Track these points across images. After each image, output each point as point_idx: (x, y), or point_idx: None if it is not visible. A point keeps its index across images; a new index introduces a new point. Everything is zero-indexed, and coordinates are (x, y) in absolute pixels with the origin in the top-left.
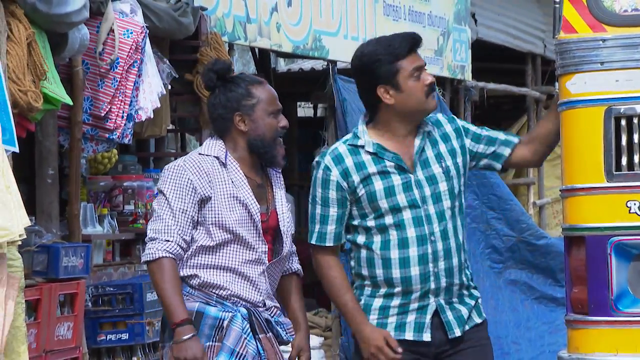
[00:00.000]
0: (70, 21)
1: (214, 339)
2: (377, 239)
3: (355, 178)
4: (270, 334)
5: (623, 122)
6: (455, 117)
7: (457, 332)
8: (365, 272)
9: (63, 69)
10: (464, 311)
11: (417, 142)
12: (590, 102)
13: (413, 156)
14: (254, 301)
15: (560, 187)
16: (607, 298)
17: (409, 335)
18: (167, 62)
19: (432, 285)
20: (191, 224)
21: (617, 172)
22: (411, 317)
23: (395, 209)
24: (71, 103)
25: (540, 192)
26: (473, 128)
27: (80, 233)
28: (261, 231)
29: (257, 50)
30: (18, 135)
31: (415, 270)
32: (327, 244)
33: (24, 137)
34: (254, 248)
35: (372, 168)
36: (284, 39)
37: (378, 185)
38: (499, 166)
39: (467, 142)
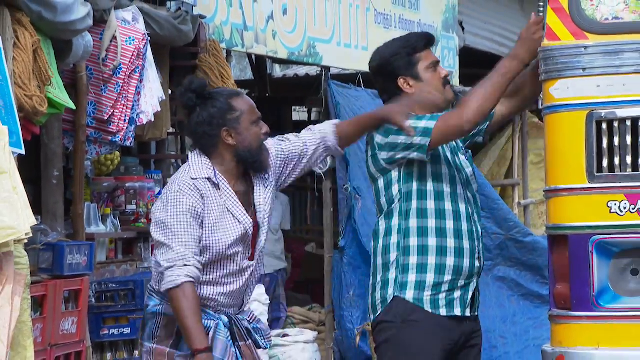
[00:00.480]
0: (75, 29)
1: None
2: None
3: None
4: (250, 341)
5: (604, 126)
6: None
7: (476, 312)
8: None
9: (68, 75)
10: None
11: None
12: (572, 106)
13: None
14: (236, 305)
15: (544, 188)
16: (589, 294)
17: (457, 311)
18: (157, 70)
19: (476, 263)
20: (199, 244)
21: (598, 174)
22: (458, 293)
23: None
24: (74, 107)
25: (524, 193)
26: None
27: (84, 232)
28: (250, 240)
29: (253, 56)
30: (24, 138)
31: (467, 244)
32: None
33: (30, 140)
34: (240, 261)
35: None
36: (279, 45)
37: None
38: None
39: None
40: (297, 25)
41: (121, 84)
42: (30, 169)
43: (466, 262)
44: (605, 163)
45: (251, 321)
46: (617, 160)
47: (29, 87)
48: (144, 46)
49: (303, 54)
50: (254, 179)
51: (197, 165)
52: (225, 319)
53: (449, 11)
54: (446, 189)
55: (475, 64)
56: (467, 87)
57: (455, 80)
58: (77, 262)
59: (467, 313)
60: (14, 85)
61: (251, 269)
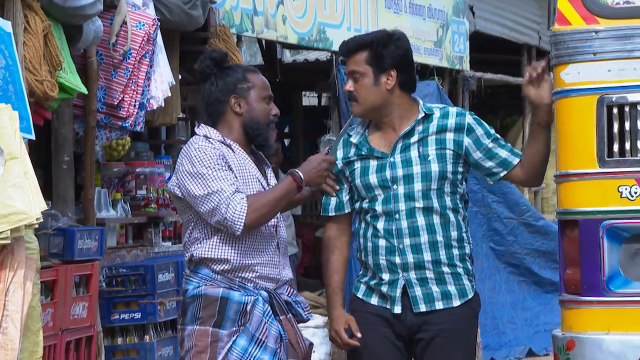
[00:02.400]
0: (85, 14)
1: (238, 323)
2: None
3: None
4: (290, 315)
5: (615, 111)
6: (469, 113)
7: (422, 308)
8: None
9: (78, 60)
10: (436, 289)
11: (405, 128)
12: (583, 91)
13: (393, 142)
14: (274, 277)
15: (555, 172)
16: (599, 279)
17: (374, 301)
18: (184, 54)
19: (398, 260)
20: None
21: (609, 159)
22: (385, 288)
23: (368, 187)
24: (86, 92)
25: None
26: (480, 132)
27: (94, 217)
28: None
29: (264, 41)
30: (35, 123)
31: (381, 242)
32: (329, 214)
33: (41, 125)
34: (267, 224)
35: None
36: (289, 30)
37: (362, 164)
38: (491, 182)
39: (466, 140)
40: (307, 10)
41: (131, 69)
42: (41, 154)
43: (381, 259)
44: (616, 148)
45: (290, 295)
46: (627, 145)
47: (39, 72)
48: (154, 31)
49: (313, 39)
50: (262, 159)
51: (208, 131)
52: (265, 294)
53: None
54: (369, 193)
55: (485, 48)
56: (477, 72)
57: (466, 65)
58: (87, 247)
59: (396, 310)
60: (25, 70)
61: (276, 240)
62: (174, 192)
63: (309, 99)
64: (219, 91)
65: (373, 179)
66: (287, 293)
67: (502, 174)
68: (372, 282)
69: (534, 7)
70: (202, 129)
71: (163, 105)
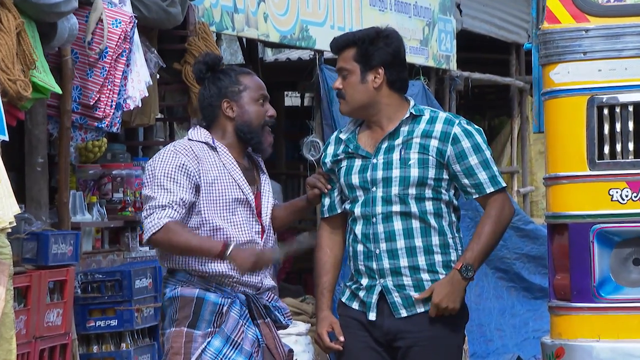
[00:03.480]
0: (59, 11)
1: (214, 325)
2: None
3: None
4: (269, 319)
5: (605, 111)
6: (460, 122)
7: (403, 313)
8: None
9: (52, 58)
10: (415, 295)
11: (389, 130)
12: (573, 91)
13: (377, 143)
14: (252, 283)
15: (544, 175)
16: (590, 285)
17: (355, 305)
18: (155, 51)
19: (374, 265)
20: (186, 202)
21: (599, 161)
22: (362, 293)
23: (351, 187)
24: (60, 92)
25: (524, 181)
26: (466, 144)
27: (69, 221)
28: (255, 211)
29: (244, 40)
30: (8, 124)
31: (359, 247)
32: (324, 216)
33: (14, 126)
34: (248, 229)
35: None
36: (271, 29)
37: (347, 164)
38: (465, 199)
39: (450, 150)
40: (289, 7)
41: (107, 68)
42: (14, 155)
43: (360, 265)
44: (606, 150)
45: (270, 300)
46: (618, 147)
47: (12, 71)
48: (131, 29)
49: (295, 38)
50: (257, 161)
51: (196, 132)
52: (242, 296)
53: None
54: (352, 193)
55: (472, 47)
56: (464, 71)
57: (453, 64)
58: (62, 252)
59: (371, 317)
60: None
61: (261, 246)
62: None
63: (291, 99)
64: (212, 96)
65: (355, 179)
66: (267, 298)
67: (474, 196)
68: (354, 287)
69: (522, 4)
70: (193, 131)
71: (140, 106)
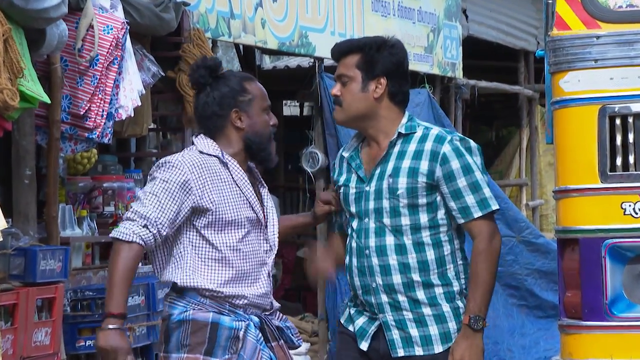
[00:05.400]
0: (48, 17)
1: (231, 351)
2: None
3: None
4: (282, 341)
5: (617, 121)
6: (451, 140)
7: (400, 353)
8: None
9: (41, 66)
10: (415, 333)
11: (382, 153)
12: (583, 100)
13: (375, 160)
14: (264, 306)
15: (554, 188)
16: (602, 302)
17: (351, 328)
18: (153, 59)
19: (373, 300)
20: (173, 223)
21: (611, 173)
22: (361, 320)
23: (350, 215)
24: (49, 101)
25: (533, 194)
26: (455, 165)
27: (58, 235)
28: (265, 229)
29: (241, 47)
30: None
31: (356, 281)
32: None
33: (1, 137)
34: (258, 250)
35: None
36: (269, 35)
37: (345, 190)
38: (452, 222)
39: (438, 170)
40: (288, 13)
41: (98, 77)
42: (1, 167)
43: (360, 296)
44: (619, 161)
45: (280, 320)
46: (631, 159)
47: None
48: (123, 35)
49: (294, 44)
50: (258, 177)
51: (206, 144)
52: (256, 319)
53: None
54: (349, 225)
55: (479, 54)
56: (470, 79)
57: (459, 72)
58: (50, 268)
59: (363, 347)
60: None
61: (267, 267)
62: None
63: (290, 108)
64: (217, 104)
65: (352, 207)
66: (277, 318)
67: (460, 221)
68: (353, 312)
69: (531, 10)
70: (201, 142)
71: (133, 115)
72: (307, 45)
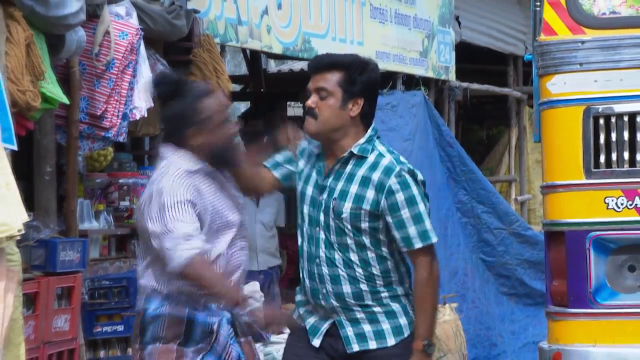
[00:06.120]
0: (67, 23)
1: (206, 342)
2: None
3: None
4: (250, 337)
5: (601, 121)
6: (399, 172)
7: (355, 347)
8: None
9: (60, 70)
10: (369, 328)
11: (335, 167)
12: (569, 101)
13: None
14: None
15: (541, 183)
16: (586, 291)
17: (304, 324)
18: (166, 63)
19: (324, 303)
20: (200, 233)
21: (595, 170)
22: (313, 319)
23: (301, 208)
24: (68, 102)
25: (521, 189)
26: (400, 197)
27: (77, 228)
28: (240, 228)
29: (248, 51)
30: (17, 134)
31: (308, 283)
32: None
33: (23, 136)
34: (240, 248)
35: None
36: (274, 40)
37: (303, 187)
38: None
39: (383, 202)
40: (291, 19)
41: (114, 79)
42: (23, 164)
43: (311, 299)
44: (602, 159)
45: (248, 316)
46: (614, 156)
47: (22, 82)
48: (138, 41)
49: (298, 49)
50: (228, 178)
51: (184, 159)
52: (228, 315)
53: (445, 6)
54: (301, 213)
55: (471, 58)
56: (463, 82)
57: (452, 75)
58: (70, 258)
59: (315, 343)
60: (7, 80)
61: (242, 268)
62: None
63: (293, 109)
64: (177, 122)
65: (306, 208)
66: (247, 314)
67: (403, 249)
68: (303, 311)
69: (520, 17)
70: (177, 155)
71: (146, 116)
72: (309, 50)
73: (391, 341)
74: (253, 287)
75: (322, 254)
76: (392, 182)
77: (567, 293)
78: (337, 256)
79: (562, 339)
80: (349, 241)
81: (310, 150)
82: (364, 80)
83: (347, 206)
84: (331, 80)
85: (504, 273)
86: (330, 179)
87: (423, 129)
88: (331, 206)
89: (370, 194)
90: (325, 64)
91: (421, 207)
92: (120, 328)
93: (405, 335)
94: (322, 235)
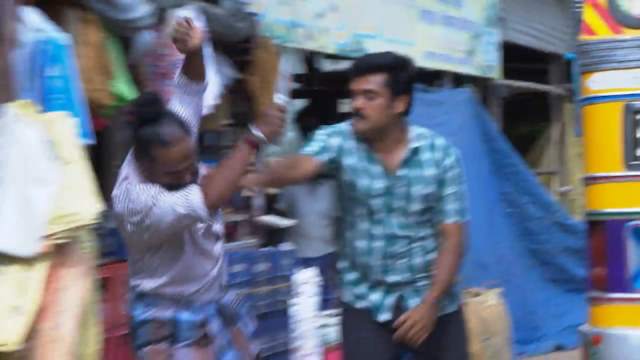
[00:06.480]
0: (137, 26)
1: (195, 337)
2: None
3: None
4: (238, 325)
5: (639, 117)
6: (453, 152)
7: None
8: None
9: (129, 70)
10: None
11: (398, 157)
12: (609, 98)
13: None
14: (214, 298)
15: (583, 175)
16: (625, 277)
17: (363, 304)
18: (228, 64)
19: (392, 278)
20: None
21: (633, 162)
22: (376, 296)
23: (365, 204)
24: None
25: (563, 181)
26: (453, 175)
27: None
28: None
29: (304, 51)
30: (91, 130)
31: (374, 261)
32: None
33: (96, 131)
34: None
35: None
36: (328, 41)
37: (362, 181)
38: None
39: (442, 178)
40: (345, 21)
41: None
42: (95, 158)
43: (377, 275)
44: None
45: (236, 304)
46: None
47: (95, 82)
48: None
49: (351, 49)
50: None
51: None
52: (212, 308)
53: (490, 8)
54: (365, 213)
55: (515, 57)
56: (507, 80)
57: (497, 73)
58: None
59: (384, 318)
60: (81, 79)
61: (218, 264)
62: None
63: (345, 106)
64: (136, 149)
65: (373, 199)
66: (234, 302)
67: (445, 221)
68: (360, 291)
69: (561, 17)
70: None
71: (210, 112)
72: (362, 50)
73: (452, 308)
74: (310, 273)
75: (395, 233)
76: (449, 160)
77: (607, 279)
78: (411, 233)
79: (602, 323)
80: (420, 219)
81: (351, 146)
82: (406, 78)
83: (420, 189)
84: (377, 81)
85: (547, 260)
86: (400, 169)
87: (469, 124)
88: (406, 192)
89: (435, 173)
90: (371, 66)
91: (464, 185)
92: None
93: (461, 302)
94: (395, 218)
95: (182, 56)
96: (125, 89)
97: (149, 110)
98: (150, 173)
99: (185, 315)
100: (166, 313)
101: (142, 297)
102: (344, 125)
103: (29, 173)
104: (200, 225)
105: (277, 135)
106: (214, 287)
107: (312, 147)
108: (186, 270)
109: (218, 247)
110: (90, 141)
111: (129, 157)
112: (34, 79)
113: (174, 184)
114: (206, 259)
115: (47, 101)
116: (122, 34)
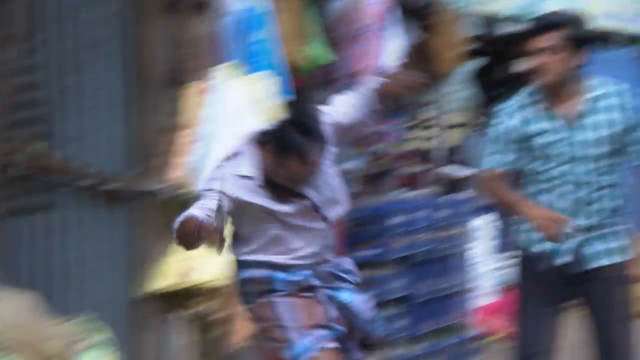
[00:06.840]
0: None
1: (291, 286)
2: None
3: None
4: (329, 288)
5: None
6: (628, 94)
7: (605, 262)
8: None
9: (325, 34)
10: (613, 245)
11: (578, 106)
12: None
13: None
14: (310, 263)
15: None
16: None
17: (537, 248)
18: (414, 27)
19: (580, 222)
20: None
21: None
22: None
23: (549, 159)
24: (334, 61)
25: None
26: (635, 116)
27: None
28: None
29: (480, 15)
30: (291, 89)
31: (563, 204)
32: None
33: (295, 90)
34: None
35: None
36: (504, 4)
37: (542, 138)
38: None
39: (627, 120)
40: None
41: (367, 42)
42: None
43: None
44: None
45: (337, 268)
46: None
47: (293, 45)
48: (388, 8)
49: (528, 12)
50: None
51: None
52: (308, 272)
53: None
54: (547, 166)
55: None
56: None
57: None
58: None
59: (564, 260)
60: (282, 42)
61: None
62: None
63: (517, 66)
64: (271, 145)
65: (556, 152)
66: (330, 266)
67: (631, 157)
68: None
69: None
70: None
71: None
72: (538, 13)
73: (624, 258)
74: (490, 218)
75: (581, 179)
76: (628, 102)
77: None
78: (597, 179)
79: None
80: (606, 164)
81: (528, 112)
82: (584, 33)
83: (606, 132)
84: (557, 37)
85: None
86: (583, 118)
87: (638, 83)
88: (590, 137)
89: (618, 116)
90: (548, 24)
91: None
92: (378, 252)
93: (628, 257)
94: (584, 167)
95: (369, 22)
96: (320, 51)
97: (303, 121)
98: (272, 167)
99: (280, 275)
100: (262, 272)
101: (240, 261)
102: (513, 100)
103: (236, 128)
104: (287, 206)
105: (400, 96)
106: (309, 261)
107: (491, 161)
108: (271, 242)
109: (320, 226)
110: (290, 98)
111: (251, 139)
112: (239, 44)
113: (283, 186)
114: (297, 235)
115: (251, 63)
116: (318, 1)
